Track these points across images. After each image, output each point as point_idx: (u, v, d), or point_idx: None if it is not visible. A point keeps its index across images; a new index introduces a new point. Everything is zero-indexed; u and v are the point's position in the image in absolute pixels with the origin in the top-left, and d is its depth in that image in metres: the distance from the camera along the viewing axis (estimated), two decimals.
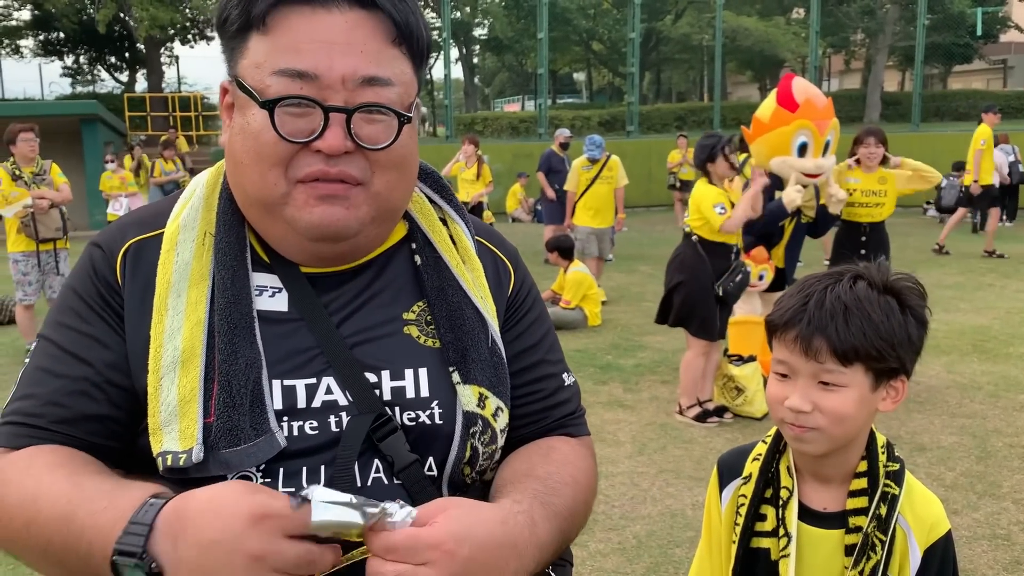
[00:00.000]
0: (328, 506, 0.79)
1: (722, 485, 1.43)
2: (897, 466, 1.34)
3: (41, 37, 31.52)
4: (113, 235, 1.08)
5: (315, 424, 1.00)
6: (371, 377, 1.03)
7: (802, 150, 5.59)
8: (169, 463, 0.96)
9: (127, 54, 32.10)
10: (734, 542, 1.37)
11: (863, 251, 5.96)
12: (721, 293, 5.09)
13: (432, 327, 1.09)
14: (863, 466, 1.32)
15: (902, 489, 1.31)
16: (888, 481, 1.31)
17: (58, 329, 1.04)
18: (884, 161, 5.95)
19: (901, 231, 8.20)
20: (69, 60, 33.07)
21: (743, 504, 1.37)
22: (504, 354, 1.12)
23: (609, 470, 4.54)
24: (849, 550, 1.29)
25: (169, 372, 0.99)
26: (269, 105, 0.97)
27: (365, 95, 0.98)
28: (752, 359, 5.50)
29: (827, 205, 5.77)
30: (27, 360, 1.07)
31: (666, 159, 16.88)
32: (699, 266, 5.15)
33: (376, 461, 1.01)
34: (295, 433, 1.00)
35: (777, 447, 1.38)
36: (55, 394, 1.00)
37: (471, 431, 1.05)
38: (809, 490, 1.35)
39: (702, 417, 5.30)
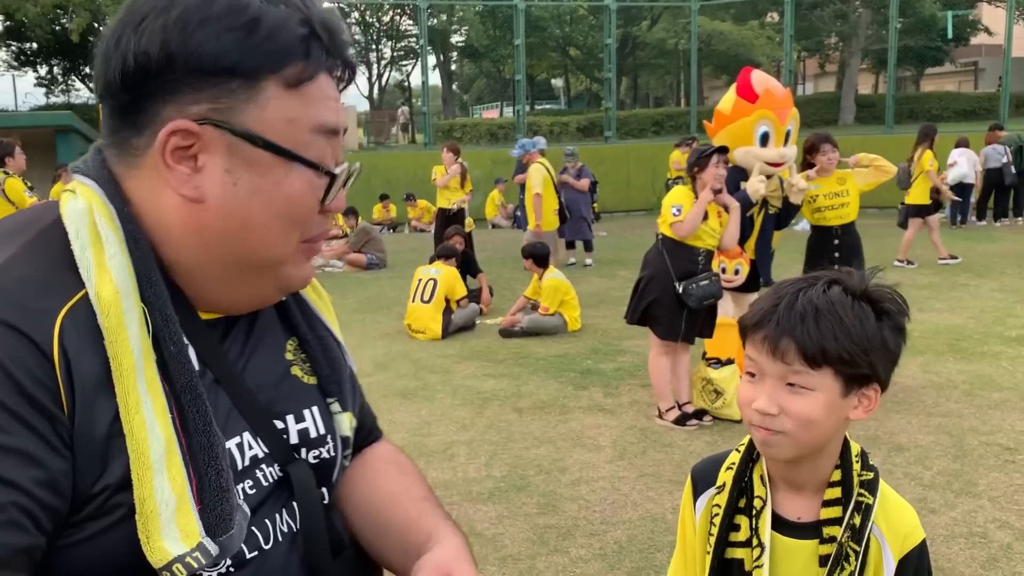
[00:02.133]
0: None
1: (696, 494, 1.43)
2: (871, 475, 1.33)
3: (14, 48, 31.22)
4: (19, 308, 0.84)
5: (251, 483, 0.99)
6: (279, 424, 1.03)
7: (764, 139, 5.66)
8: (195, 567, 0.87)
9: None
10: (708, 552, 1.36)
11: (836, 254, 6.03)
12: (680, 291, 5.09)
13: (308, 364, 1.10)
14: (837, 475, 1.31)
15: (876, 499, 1.30)
16: (862, 490, 1.30)
17: None
18: None
19: (876, 233, 8.31)
20: (43, 70, 32.78)
21: (717, 514, 1.36)
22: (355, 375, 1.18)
23: (590, 475, 4.54)
24: (823, 560, 1.28)
25: (159, 467, 0.87)
26: (328, 174, 0.95)
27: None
28: (730, 362, 5.52)
29: (788, 195, 5.83)
30: None
31: (646, 163, 16.97)
32: (660, 265, 5.23)
33: (293, 504, 1.03)
34: (240, 497, 0.97)
35: (751, 456, 1.37)
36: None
37: (345, 454, 1.12)
38: (783, 499, 1.34)
39: (682, 420, 5.32)
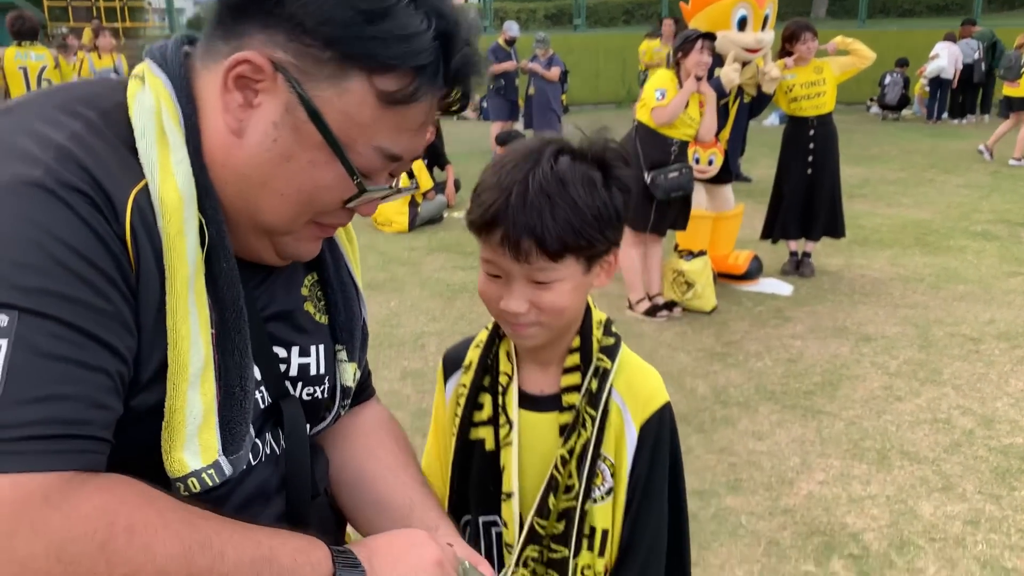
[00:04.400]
0: None
1: (446, 377, 1.37)
2: (612, 340, 1.27)
3: None
4: (93, 179, 0.79)
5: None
6: (280, 352, 1.02)
7: (742, 24, 5.48)
8: (210, 484, 0.87)
9: None
10: (454, 434, 1.31)
11: (812, 145, 5.96)
12: (648, 182, 4.98)
13: (323, 303, 1.09)
14: (576, 342, 1.26)
15: (615, 363, 1.25)
16: (601, 355, 1.25)
17: (60, 303, 0.74)
18: None
19: (845, 127, 8.20)
20: None
21: (463, 394, 1.30)
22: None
23: None
24: (562, 430, 1.23)
25: (195, 381, 0.85)
26: (362, 188, 0.91)
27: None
28: (702, 253, 5.49)
29: (761, 83, 5.71)
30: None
31: (615, 54, 16.56)
32: (631, 154, 5.08)
33: (279, 430, 1.03)
34: None
35: (498, 332, 1.30)
36: (97, 392, 0.76)
37: (343, 403, 1.11)
38: (528, 375, 1.28)
39: (652, 312, 5.32)
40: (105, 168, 0.80)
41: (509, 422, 1.25)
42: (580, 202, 1.11)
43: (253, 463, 0.97)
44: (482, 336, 1.33)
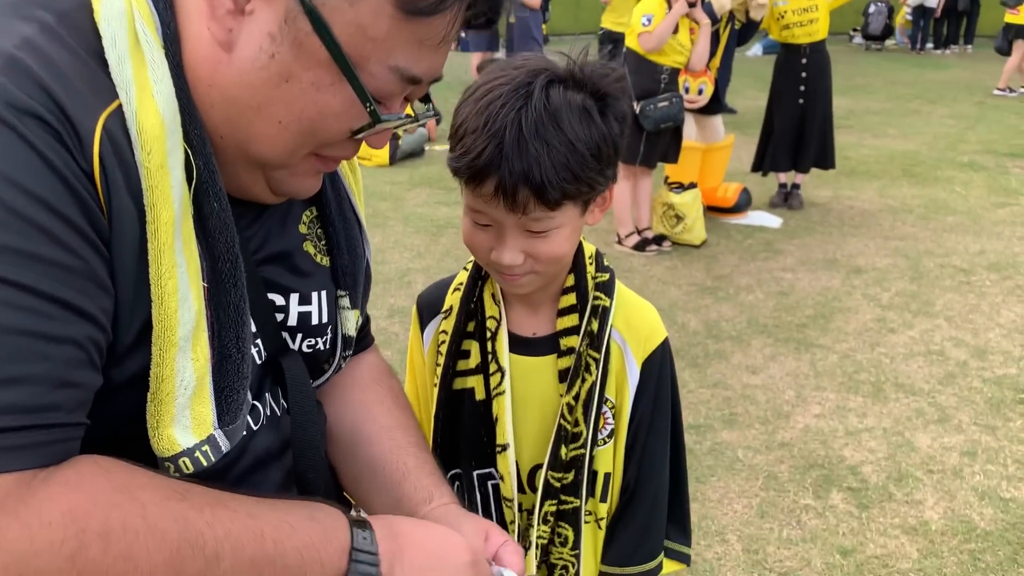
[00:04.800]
0: None
1: (423, 324, 1.27)
2: (607, 276, 1.19)
3: None
4: (49, 98, 0.64)
5: None
6: (277, 299, 0.89)
7: None
8: (204, 465, 0.75)
9: None
10: (435, 384, 1.21)
11: (804, 74, 5.84)
12: (638, 112, 4.84)
13: (323, 243, 0.96)
14: (570, 280, 1.17)
15: (613, 300, 1.17)
16: (598, 293, 1.16)
17: (14, 262, 0.61)
18: None
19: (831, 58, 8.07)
20: None
21: (444, 341, 1.20)
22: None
23: None
24: (563, 375, 1.15)
25: (185, 345, 0.73)
26: (375, 118, 0.77)
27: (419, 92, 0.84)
28: (692, 186, 5.40)
29: (749, 10, 5.56)
30: None
31: None
32: None
33: (278, 388, 0.92)
34: None
35: (480, 273, 1.20)
36: (64, 369, 0.64)
37: (345, 354, 1.01)
38: (517, 317, 1.19)
39: (641, 246, 5.25)
40: (67, 85, 0.65)
41: (500, 370, 1.16)
42: (579, 142, 1.00)
43: (255, 428, 0.86)
44: (461, 278, 1.23)
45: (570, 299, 1.17)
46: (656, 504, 1.22)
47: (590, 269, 1.18)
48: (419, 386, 1.30)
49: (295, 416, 0.92)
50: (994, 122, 9.04)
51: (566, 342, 1.16)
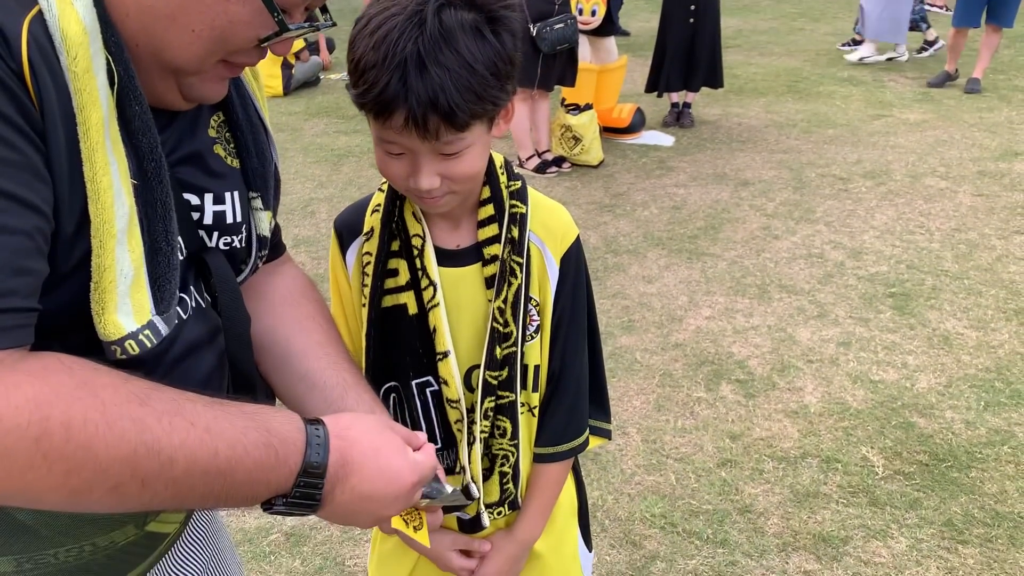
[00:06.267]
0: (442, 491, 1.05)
1: (343, 247, 1.30)
2: (519, 184, 1.25)
3: None
4: None
5: None
6: (192, 199, 0.94)
7: None
8: (149, 346, 0.81)
9: None
10: (364, 304, 1.26)
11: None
12: (533, 34, 4.91)
13: (232, 146, 1.01)
14: (486, 192, 1.22)
15: (528, 206, 1.23)
16: (514, 201, 1.22)
17: None
18: None
19: None
20: None
21: (369, 262, 1.24)
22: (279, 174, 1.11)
23: None
24: (489, 282, 1.22)
25: (122, 237, 0.77)
26: (283, 27, 0.84)
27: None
28: (588, 107, 5.51)
29: None
30: None
31: None
32: None
33: (201, 283, 0.98)
34: None
35: (396, 194, 1.24)
36: (16, 257, 0.69)
37: (260, 254, 1.06)
38: (439, 232, 1.24)
39: (541, 168, 5.36)
40: None
41: (432, 284, 1.21)
42: (477, 63, 1.02)
43: (185, 317, 0.92)
44: (378, 199, 1.26)
45: (488, 210, 1.22)
46: (579, 388, 1.31)
47: (502, 179, 1.23)
48: (345, 307, 1.33)
49: (223, 303, 0.98)
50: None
51: (489, 251, 1.22)
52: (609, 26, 5.77)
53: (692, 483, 2.60)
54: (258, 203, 1.04)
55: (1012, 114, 6.30)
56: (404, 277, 1.23)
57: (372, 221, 1.25)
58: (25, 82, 0.70)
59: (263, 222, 1.04)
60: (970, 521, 2.39)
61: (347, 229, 1.29)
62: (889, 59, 8.17)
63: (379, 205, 1.25)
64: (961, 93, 6.92)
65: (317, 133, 6.38)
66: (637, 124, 6.06)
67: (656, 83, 6.31)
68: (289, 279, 1.18)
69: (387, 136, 1.07)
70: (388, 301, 1.24)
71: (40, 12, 0.73)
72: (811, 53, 8.72)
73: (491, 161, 1.23)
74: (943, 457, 2.66)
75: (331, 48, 8.78)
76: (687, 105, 6.38)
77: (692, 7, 5.99)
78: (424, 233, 1.22)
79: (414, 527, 1.02)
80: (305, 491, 0.83)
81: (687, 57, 6.10)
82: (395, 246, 1.23)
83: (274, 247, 1.16)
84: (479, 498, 1.27)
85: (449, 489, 1.03)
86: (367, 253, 1.24)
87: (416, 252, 1.22)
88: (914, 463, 2.64)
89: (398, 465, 0.91)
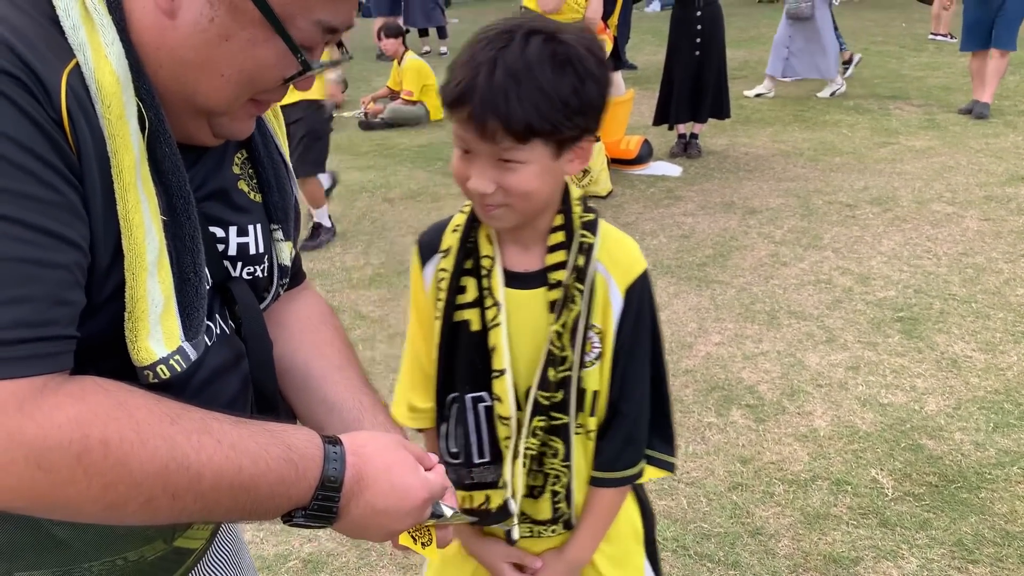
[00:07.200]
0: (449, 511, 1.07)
1: (423, 262, 1.38)
2: (592, 216, 1.31)
3: None
4: (19, 58, 0.75)
5: None
6: (218, 231, 1.01)
7: None
8: (178, 371, 0.87)
9: None
10: (438, 317, 1.33)
11: (699, 27, 6.08)
12: None
13: (255, 181, 1.08)
14: (559, 220, 1.29)
15: (597, 237, 1.29)
16: (584, 232, 1.28)
17: (8, 201, 0.72)
18: None
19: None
20: None
21: (444, 278, 1.32)
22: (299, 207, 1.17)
23: None
24: (552, 306, 1.28)
25: (153, 270, 0.84)
26: (306, 66, 0.90)
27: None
28: (596, 139, 5.59)
29: None
30: None
31: None
32: None
33: (226, 310, 1.05)
34: None
35: (475, 216, 1.31)
36: (58, 289, 0.75)
37: (282, 282, 1.12)
38: (510, 255, 1.31)
39: None
40: (32, 46, 0.76)
41: (496, 304, 1.28)
42: (547, 86, 1.12)
43: (211, 343, 0.98)
44: (458, 220, 1.34)
45: (558, 236, 1.28)
46: (638, 418, 1.36)
47: (576, 210, 1.30)
48: (422, 320, 1.41)
49: (247, 330, 1.04)
50: (876, 67, 9.52)
51: (554, 276, 1.28)
52: (616, 61, 5.89)
53: (703, 507, 2.63)
54: (279, 234, 1.10)
55: (1018, 139, 6.36)
56: (472, 295, 1.31)
57: (450, 240, 1.33)
58: (64, 129, 0.77)
59: (284, 252, 1.10)
60: (980, 541, 2.41)
61: (427, 246, 1.38)
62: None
63: (459, 225, 1.33)
64: (967, 120, 6.98)
65: (331, 169, 6.50)
66: (645, 155, 6.15)
67: (666, 115, 6.41)
68: (309, 306, 1.24)
69: (457, 131, 1.18)
70: (456, 316, 1.32)
71: (77, 65, 0.80)
72: (817, 83, 8.80)
73: (567, 191, 1.30)
74: (953, 478, 2.68)
75: (345, 87, 8.94)
76: (694, 136, 6.47)
77: (698, 40, 6.10)
78: (495, 255, 1.29)
79: (422, 543, 1.07)
80: (323, 504, 0.89)
81: (694, 88, 6.20)
82: (468, 264, 1.31)
83: (294, 275, 1.22)
84: (515, 513, 1.33)
85: (450, 512, 1.08)
86: (442, 269, 1.33)
87: (485, 272, 1.30)
88: (924, 484, 2.67)
89: (410, 482, 0.96)
